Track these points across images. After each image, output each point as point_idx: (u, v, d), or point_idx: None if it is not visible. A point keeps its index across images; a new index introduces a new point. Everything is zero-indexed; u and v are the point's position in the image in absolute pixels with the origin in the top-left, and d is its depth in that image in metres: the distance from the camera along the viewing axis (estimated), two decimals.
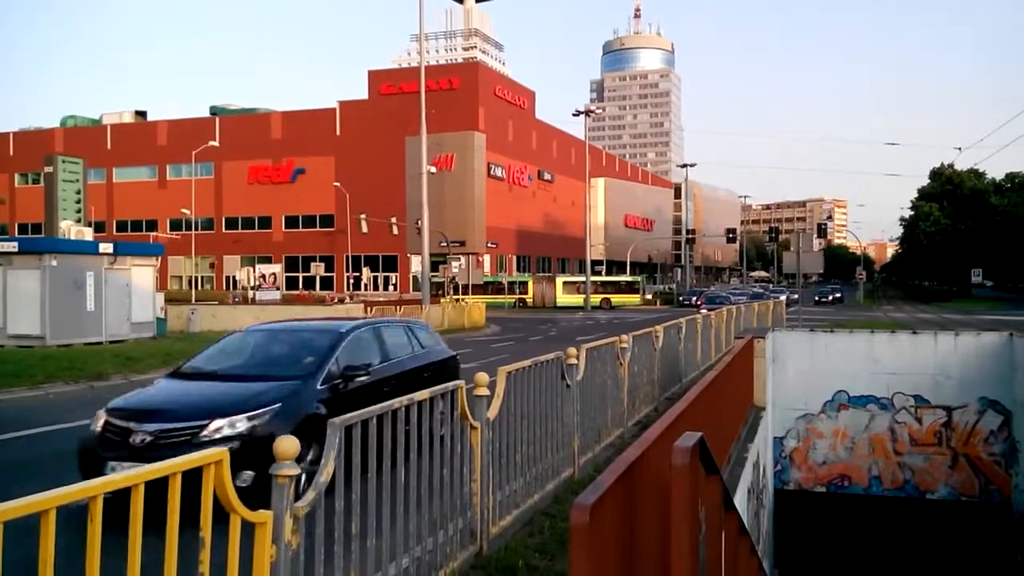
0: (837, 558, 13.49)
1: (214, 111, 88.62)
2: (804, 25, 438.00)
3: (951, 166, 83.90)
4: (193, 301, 51.67)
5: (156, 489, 2.86)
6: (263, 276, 67.37)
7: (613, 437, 9.54)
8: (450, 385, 5.26)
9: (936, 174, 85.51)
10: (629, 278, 72.41)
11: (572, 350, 8.18)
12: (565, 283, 65.83)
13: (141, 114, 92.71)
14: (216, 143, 65.65)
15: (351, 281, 71.99)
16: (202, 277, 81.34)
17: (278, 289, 66.58)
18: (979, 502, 13.16)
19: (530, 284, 65.93)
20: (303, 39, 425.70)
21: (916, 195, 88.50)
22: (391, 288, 74.41)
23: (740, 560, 4.09)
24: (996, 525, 12.91)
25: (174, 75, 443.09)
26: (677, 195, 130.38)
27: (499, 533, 5.97)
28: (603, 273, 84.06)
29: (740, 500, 6.81)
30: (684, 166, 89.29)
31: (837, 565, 13.46)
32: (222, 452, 3.23)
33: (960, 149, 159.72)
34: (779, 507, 13.27)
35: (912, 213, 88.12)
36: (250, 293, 63.05)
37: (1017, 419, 12.61)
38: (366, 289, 69.65)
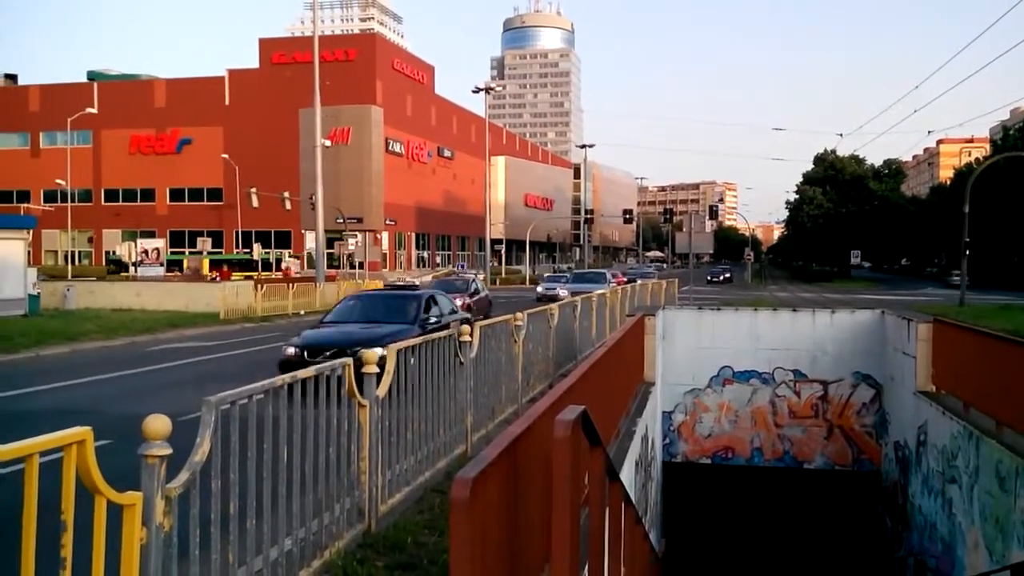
0: (722, 527, 14.05)
1: (92, 76, 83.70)
2: (698, 11, 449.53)
3: (833, 152, 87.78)
4: (70, 277, 49.03)
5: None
6: (145, 251, 64.18)
7: (507, 414, 9.59)
8: (337, 363, 5.14)
9: (819, 159, 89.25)
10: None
11: (466, 328, 8.16)
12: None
13: (11, 77, 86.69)
14: (94, 110, 62.19)
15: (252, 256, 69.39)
16: (79, 252, 77.06)
17: (162, 265, 63.73)
18: (852, 471, 13.93)
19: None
20: (189, 3, 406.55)
21: (801, 179, 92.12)
22: (284, 266, 72.50)
23: (624, 529, 4.16)
24: (867, 493, 13.71)
25: (48, 38, 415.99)
26: (576, 175, 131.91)
27: (388, 511, 5.91)
28: (502, 252, 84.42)
29: (628, 472, 6.95)
30: (583, 147, 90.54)
31: (722, 533, 14.02)
32: (85, 431, 3.04)
33: (842, 135, 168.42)
34: (667, 479, 13.69)
35: (797, 196, 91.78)
36: (131, 269, 60.08)
37: (887, 392, 13.37)
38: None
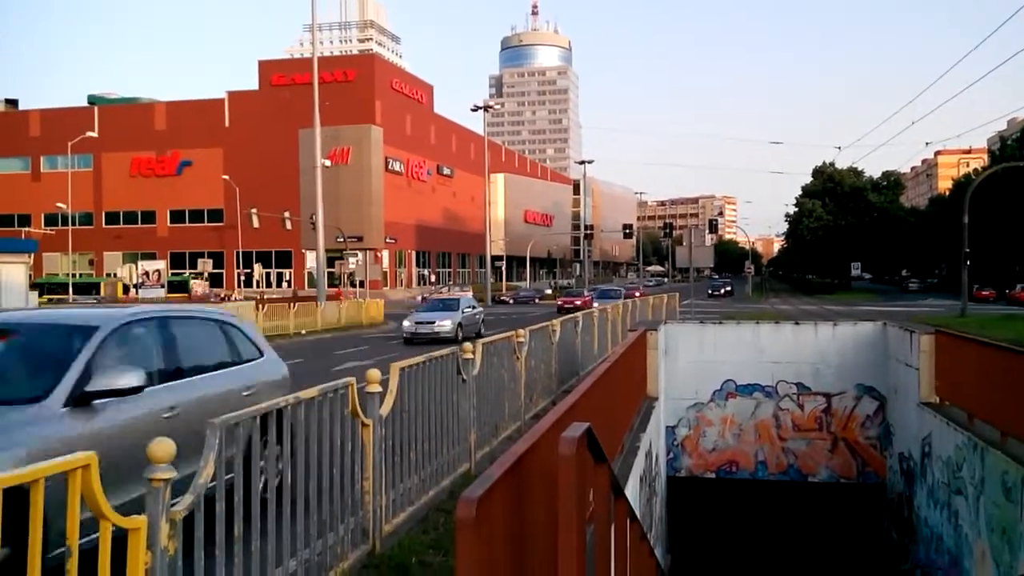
0: (727, 541, 13.97)
1: (92, 100, 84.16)
2: (695, 27, 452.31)
3: (832, 164, 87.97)
4: (71, 299, 49.10)
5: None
6: (146, 273, 64.26)
7: (511, 431, 9.57)
8: (340, 382, 5.14)
9: (818, 172, 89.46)
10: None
11: (468, 345, 8.17)
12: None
13: (12, 103, 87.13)
14: (95, 134, 62.42)
15: (241, 278, 69.70)
16: (80, 275, 77.14)
17: (162, 287, 63.83)
18: (857, 484, 13.85)
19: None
20: (188, 27, 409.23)
21: (800, 192, 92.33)
22: (285, 285, 72.65)
23: (630, 545, 4.15)
24: (872, 505, 13.64)
25: (48, 62, 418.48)
26: (576, 191, 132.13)
27: (393, 531, 5.89)
28: (503, 269, 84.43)
29: (632, 488, 6.94)
30: (582, 163, 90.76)
31: (727, 548, 13.94)
32: (90, 456, 3.05)
33: (840, 148, 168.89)
34: (671, 494, 13.63)
35: (796, 209, 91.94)
36: (132, 291, 60.16)
37: (890, 404, 13.32)
38: (258, 286, 67.33)
